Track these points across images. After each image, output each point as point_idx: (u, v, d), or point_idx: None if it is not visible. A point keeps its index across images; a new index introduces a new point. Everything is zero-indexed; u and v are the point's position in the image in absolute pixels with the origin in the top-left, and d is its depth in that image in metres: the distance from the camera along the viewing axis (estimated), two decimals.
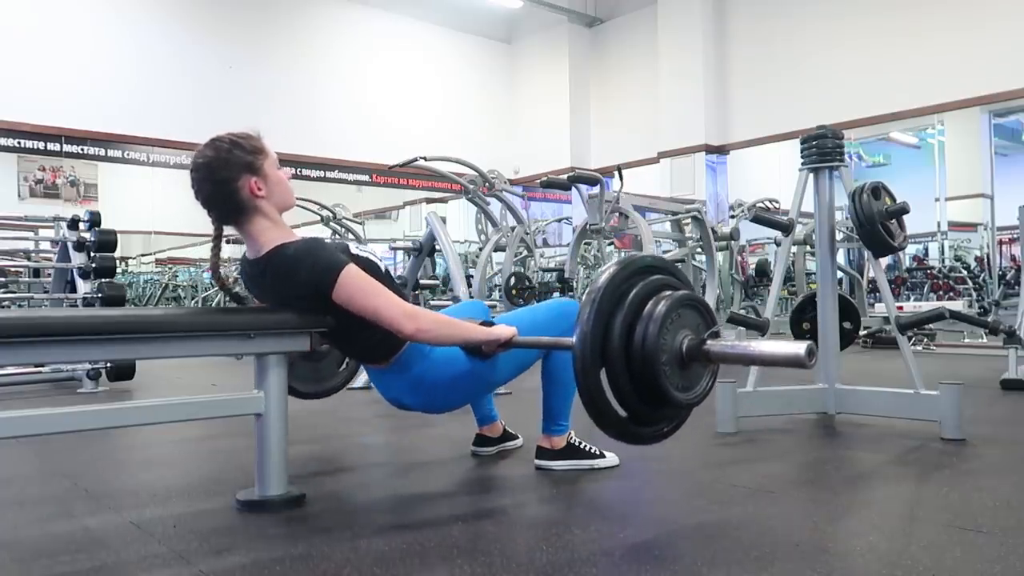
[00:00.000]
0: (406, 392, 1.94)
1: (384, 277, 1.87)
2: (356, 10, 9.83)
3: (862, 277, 6.84)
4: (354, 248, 1.90)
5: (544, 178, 5.10)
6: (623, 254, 10.00)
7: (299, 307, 1.80)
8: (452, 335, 1.81)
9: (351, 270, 1.75)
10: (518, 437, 2.46)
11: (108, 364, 4.44)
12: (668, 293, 1.60)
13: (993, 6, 6.95)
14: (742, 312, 5.92)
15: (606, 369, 1.56)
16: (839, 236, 5.86)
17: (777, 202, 7.61)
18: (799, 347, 1.43)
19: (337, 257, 1.76)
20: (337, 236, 6.66)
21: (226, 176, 1.75)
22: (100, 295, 4.40)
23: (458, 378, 1.92)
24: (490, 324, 1.89)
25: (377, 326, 1.76)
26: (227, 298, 1.99)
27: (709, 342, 1.58)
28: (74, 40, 7.78)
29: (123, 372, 4.54)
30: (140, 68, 8.17)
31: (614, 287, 1.58)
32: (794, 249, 6.50)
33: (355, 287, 1.74)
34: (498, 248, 6.15)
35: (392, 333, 1.77)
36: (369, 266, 1.85)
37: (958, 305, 6.48)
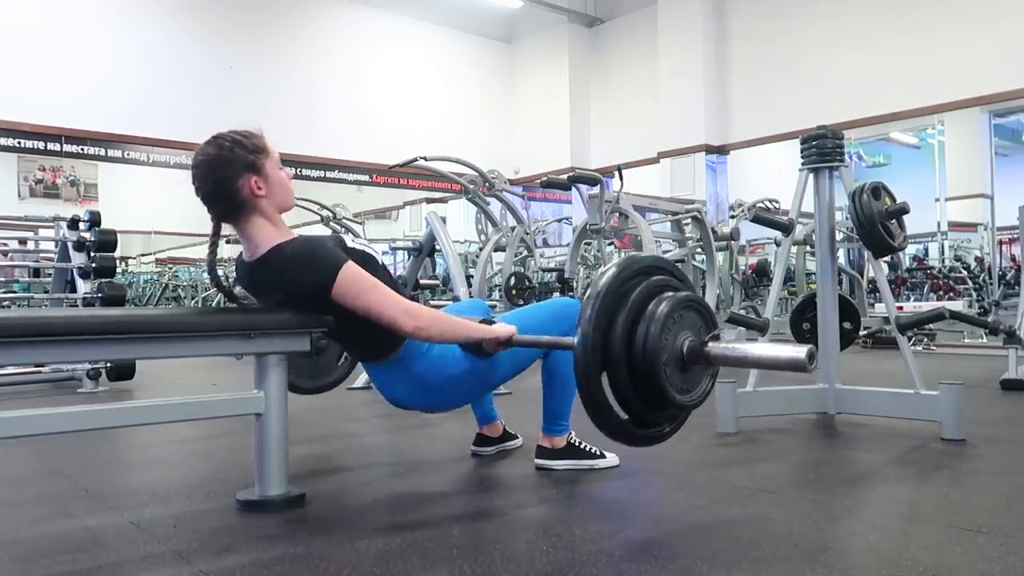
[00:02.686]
0: (405, 390, 1.93)
1: (381, 271, 1.87)
2: (356, 10, 9.83)
3: (862, 277, 6.84)
4: (350, 242, 1.88)
5: (544, 178, 5.09)
6: (623, 254, 10.01)
7: (299, 306, 1.80)
8: (451, 332, 1.80)
9: (350, 268, 1.75)
10: (518, 437, 2.46)
11: (108, 364, 4.44)
12: (670, 294, 1.60)
13: (993, 6, 6.95)
14: (742, 312, 5.92)
15: (607, 370, 1.56)
16: (839, 236, 5.86)
17: (777, 202, 7.60)
18: (799, 351, 1.44)
19: (335, 255, 1.75)
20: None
21: (227, 174, 1.74)
22: (100, 295, 4.40)
23: (457, 377, 1.91)
24: (490, 322, 1.89)
25: (376, 323, 1.76)
26: (224, 297, 1.98)
27: (710, 344, 1.57)
28: (74, 40, 7.78)
29: (123, 372, 4.54)
30: (140, 68, 8.16)
31: (615, 287, 1.57)
32: (794, 249, 6.50)
33: (354, 286, 1.74)
34: (498, 248, 6.15)
35: (391, 330, 1.77)
36: (366, 259, 1.84)
37: (958, 305, 6.48)
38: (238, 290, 2.04)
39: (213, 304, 8.94)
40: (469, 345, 1.88)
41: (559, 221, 10.75)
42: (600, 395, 1.56)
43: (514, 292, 5.72)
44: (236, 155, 1.75)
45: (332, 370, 2.67)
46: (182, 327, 1.68)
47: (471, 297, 4.54)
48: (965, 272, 7.71)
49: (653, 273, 1.66)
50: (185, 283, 11.45)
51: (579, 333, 1.55)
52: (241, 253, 1.86)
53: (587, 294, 1.58)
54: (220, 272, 1.87)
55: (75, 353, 1.58)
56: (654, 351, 1.52)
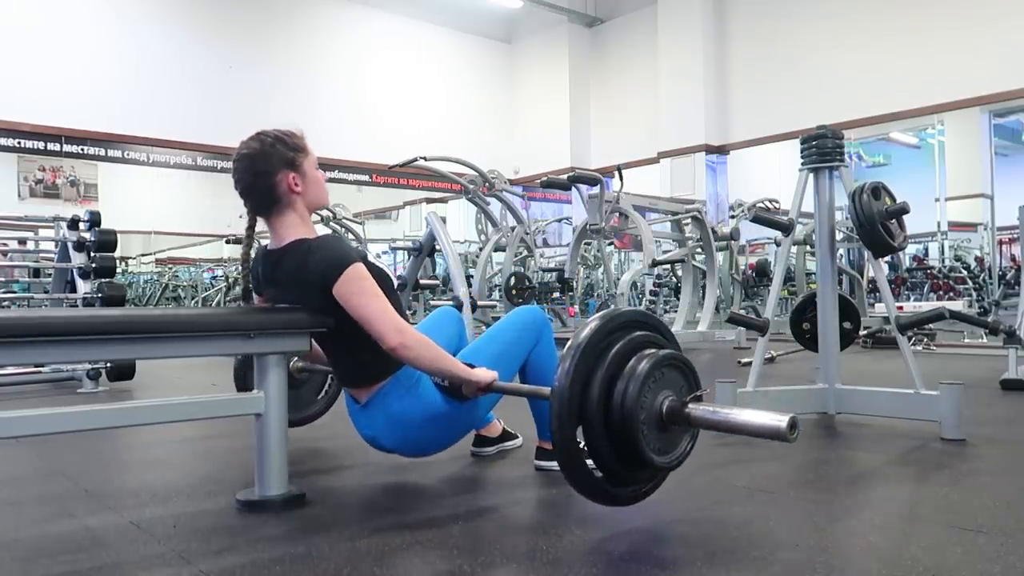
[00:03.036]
0: (383, 429, 1.91)
1: (392, 292, 1.88)
2: (356, 10, 9.83)
3: (862, 277, 6.84)
4: (372, 257, 1.92)
5: (544, 178, 5.10)
6: (623, 254, 10.01)
7: (301, 299, 1.82)
8: (434, 361, 1.77)
9: (358, 268, 1.76)
10: (518, 437, 2.46)
11: (108, 364, 4.44)
12: (651, 351, 1.55)
13: (993, 6, 6.95)
14: (742, 312, 5.92)
15: (583, 425, 1.51)
16: (839, 236, 5.87)
17: (777, 202, 7.61)
18: (781, 420, 1.38)
19: (349, 252, 1.79)
20: (337, 234, 6.65)
21: (266, 169, 1.82)
22: (100, 295, 4.40)
23: (436, 418, 1.89)
24: (471, 366, 1.85)
25: (368, 341, 1.76)
26: (240, 293, 1.97)
27: (691, 406, 1.52)
28: (74, 40, 7.78)
29: (123, 372, 4.54)
30: (140, 68, 8.17)
31: (596, 341, 1.52)
32: (794, 249, 6.50)
33: (356, 285, 1.75)
34: (498, 248, 6.15)
35: (381, 356, 1.77)
36: (381, 275, 1.86)
37: (958, 305, 6.48)
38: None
39: (213, 304, 8.95)
40: (448, 390, 1.87)
41: (559, 221, 10.75)
42: (575, 452, 1.50)
43: (514, 292, 5.72)
44: (277, 151, 1.83)
45: (313, 403, 2.68)
46: (182, 327, 1.69)
47: (471, 297, 4.55)
48: (965, 272, 7.71)
49: (637, 328, 1.60)
50: (185, 283, 11.45)
51: (555, 385, 1.49)
52: (266, 245, 1.92)
53: (567, 346, 1.53)
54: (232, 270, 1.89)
55: (75, 353, 1.58)
56: (632, 409, 1.47)
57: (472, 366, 1.84)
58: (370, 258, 1.91)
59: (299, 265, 1.80)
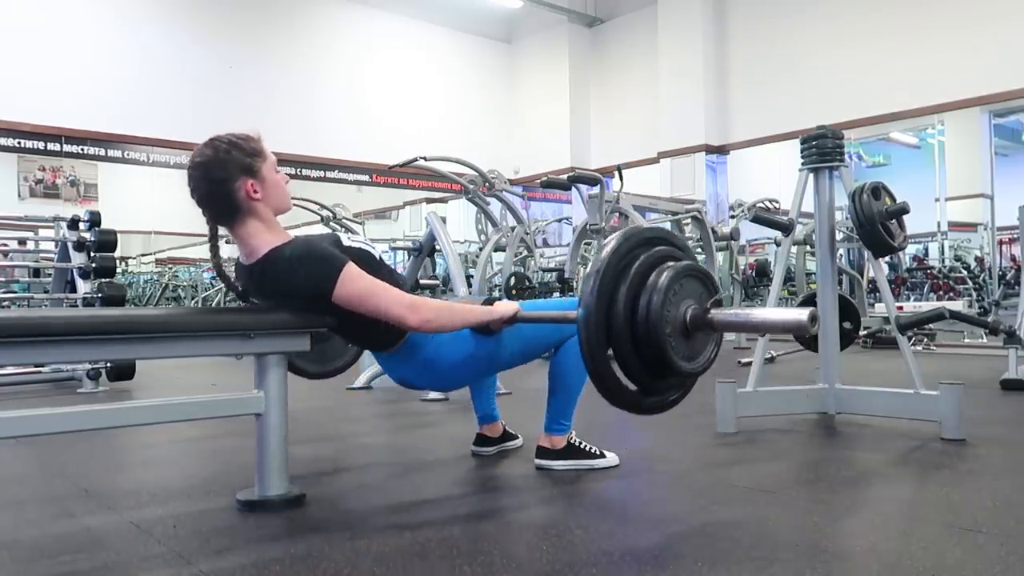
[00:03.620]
0: (414, 374, 1.97)
1: (379, 266, 1.88)
2: (356, 10, 9.83)
3: (862, 277, 6.84)
4: (346, 240, 1.89)
5: (544, 178, 5.10)
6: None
7: (299, 308, 1.80)
8: (458, 320, 1.83)
9: (350, 270, 1.74)
10: (518, 437, 2.46)
11: (108, 364, 4.44)
12: (671, 264, 1.61)
13: (993, 6, 6.95)
14: None
15: (611, 341, 1.58)
16: (839, 236, 5.87)
17: (777, 202, 7.61)
18: (801, 313, 1.45)
19: (335, 258, 1.75)
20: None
21: (222, 177, 1.74)
22: (100, 295, 4.40)
23: (465, 358, 1.94)
24: (492, 302, 1.91)
25: (377, 321, 1.77)
26: (234, 295, 1.98)
27: (712, 311, 1.60)
28: (74, 40, 7.78)
29: (123, 372, 4.54)
30: (140, 68, 8.17)
31: (617, 260, 1.59)
32: (794, 249, 6.50)
33: (355, 288, 1.74)
34: (498, 248, 6.15)
35: (396, 325, 1.78)
36: (364, 256, 1.84)
37: (958, 305, 6.48)
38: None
39: (213, 304, 8.95)
40: (477, 325, 1.89)
41: (559, 221, 10.75)
42: (605, 364, 1.58)
43: (514, 292, 5.72)
44: (233, 158, 1.75)
45: (342, 354, 2.66)
46: (182, 327, 1.68)
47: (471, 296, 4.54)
48: (965, 272, 7.71)
49: (654, 244, 1.67)
50: (185, 283, 11.45)
51: (582, 306, 1.56)
52: (239, 257, 1.86)
53: (589, 268, 1.60)
54: (225, 270, 1.88)
55: (75, 353, 1.58)
56: (657, 320, 1.54)
57: (492, 302, 1.88)
58: (345, 241, 1.88)
59: (285, 278, 1.76)
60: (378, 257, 1.92)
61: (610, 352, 1.60)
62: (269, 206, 1.80)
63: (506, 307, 1.88)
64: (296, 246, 1.77)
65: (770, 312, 1.56)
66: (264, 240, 1.78)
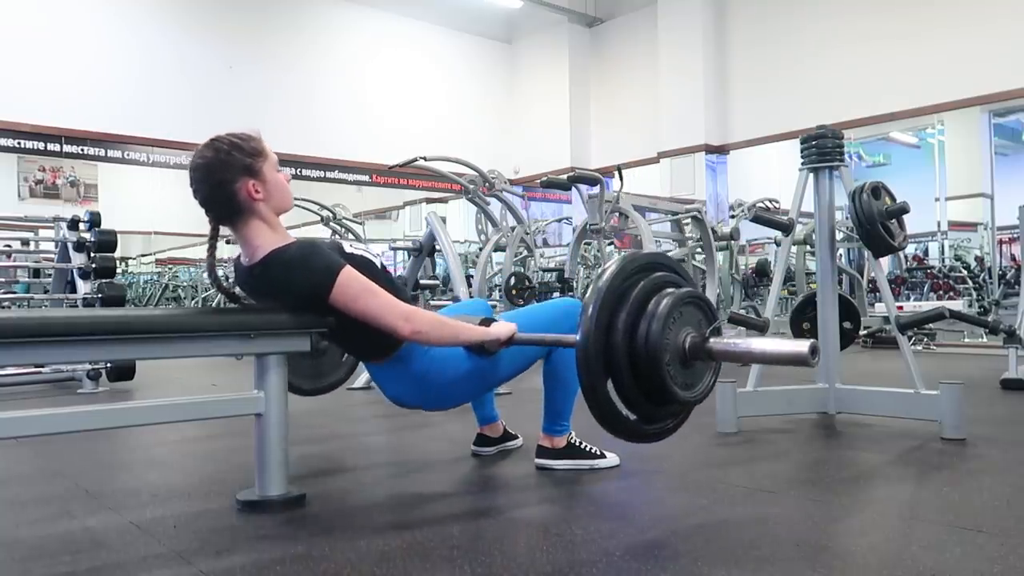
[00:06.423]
0: (407, 390, 1.93)
1: (380, 274, 1.86)
2: (356, 10, 9.82)
3: (862, 277, 6.84)
4: (348, 247, 1.88)
5: (544, 178, 5.09)
6: (623, 254, 10.00)
7: (298, 309, 1.80)
8: (450, 336, 1.80)
9: (348, 273, 1.74)
10: (518, 437, 2.46)
11: (108, 364, 4.44)
12: (670, 290, 1.60)
13: (993, 6, 6.95)
14: (742, 312, 5.92)
15: (609, 367, 1.56)
16: (839, 236, 5.86)
17: (777, 202, 7.60)
18: (802, 345, 1.43)
19: (333, 260, 1.75)
20: (337, 236, 6.65)
21: (224, 178, 1.74)
22: (100, 295, 4.40)
23: (459, 376, 1.91)
24: (490, 322, 1.88)
25: (374, 328, 1.76)
26: (225, 298, 1.98)
27: (712, 340, 1.57)
28: (74, 40, 7.78)
29: (123, 372, 4.54)
30: (140, 68, 8.16)
31: (616, 285, 1.57)
32: (794, 249, 6.49)
33: (352, 291, 1.73)
34: (498, 248, 6.14)
35: (389, 334, 1.77)
36: (365, 264, 1.83)
37: (958, 305, 6.48)
38: (237, 290, 2.04)
39: (213, 304, 8.94)
40: (471, 344, 1.87)
41: (559, 221, 10.74)
42: (603, 392, 1.56)
43: (514, 292, 5.72)
44: (234, 158, 1.74)
45: (335, 370, 2.66)
46: (182, 327, 1.68)
47: (471, 297, 4.54)
48: (965, 272, 7.71)
49: (653, 270, 1.66)
50: (185, 283, 11.45)
51: (581, 331, 1.54)
52: (239, 256, 1.85)
53: (588, 292, 1.57)
54: (220, 273, 1.87)
55: (75, 353, 1.58)
56: (656, 348, 1.52)
57: (490, 322, 1.84)
58: (347, 248, 1.87)
59: (284, 280, 1.76)
60: (379, 265, 1.91)
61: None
62: (271, 206, 1.80)
63: (503, 328, 1.84)
64: (297, 248, 1.77)
65: (770, 343, 1.52)
66: (267, 241, 1.78)
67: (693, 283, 1.73)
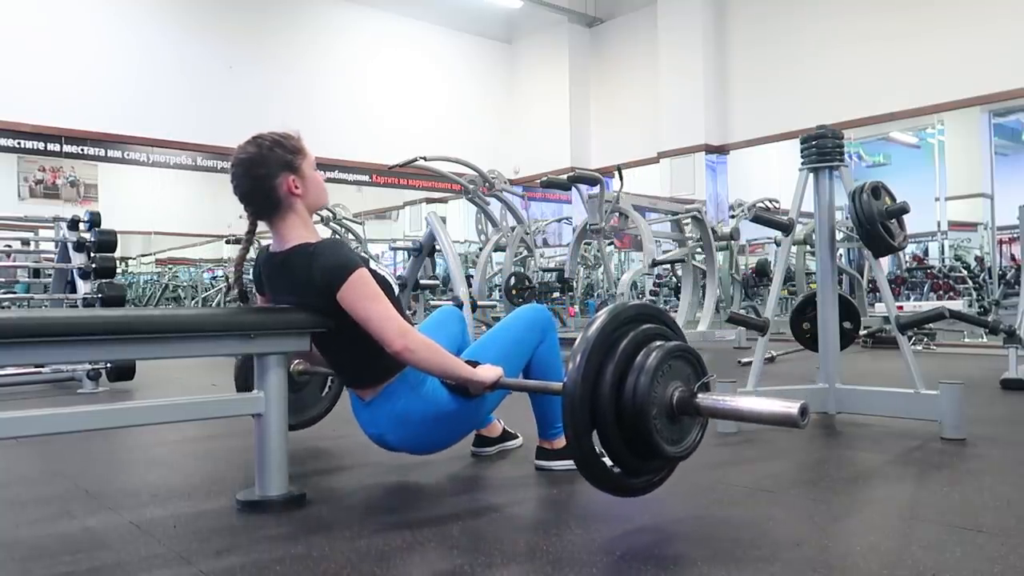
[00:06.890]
0: (389, 428, 1.91)
1: (393, 295, 1.88)
2: (356, 10, 9.83)
3: (862, 277, 6.84)
4: (373, 264, 1.91)
5: (544, 178, 5.10)
6: (623, 254, 10.01)
7: (302, 302, 1.82)
8: (437, 363, 1.78)
9: (362, 274, 1.77)
10: (518, 437, 2.46)
11: (108, 364, 4.44)
12: (659, 343, 1.56)
13: (993, 6, 6.95)
14: (742, 312, 5.92)
15: (595, 417, 1.52)
16: (839, 236, 5.87)
17: (777, 202, 7.61)
18: (792, 406, 1.39)
19: (354, 258, 1.79)
20: (337, 236, 6.65)
21: (265, 173, 1.81)
22: (100, 295, 4.40)
23: (443, 416, 1.89)
24: (475, 364, 1.86)
25: (371, 343, 1.76)
26: (236, 296, 1.99)
27: (700, 396, 1.54)
28: (75, 40, 7.78)
29: (123, 372, 4.54)
30: (140, 68, 8.17)
31: (605, 336, 1.53)
32: (794, 249, 6.50)
33: (361, 291, 1.76)
34: (498, 248, 6.15)
35: (385, 357, 1.77)
36: (382, 281, 1.86)
37: (958, 305, 6.47)
38: (249, 291, 2.06)
39: (213, 304, 8.95)
40: (456, 387, 1.87)
41: (559, 221, 10.75)
42: (588, 444, 1.51)
43: (514, 292, 5.72)
44: (275, 154, 1.83)
45: (315, 405, 2.65)
46: (182, 327, 1.68)
47: (471, 297, 4.54)
48: (965, 272, 7.71)
49: (643, 322, 1.62)
50: (185, 283, 11.45)
51: (568, 379, 1.50)
52: (268, 246, 1.92)
53: (576, 341, 1.54)
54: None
55: (75, 353, 1.58)
56: (644, 401, 1.48)
57: (476, 364, 1.84)
58: (372, 265, 1.92)
59: (303, 269, 1.80)
60: (396, 290, 1.93)
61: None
62: (308, 202, 1.88)
63: (488, 373, 1.82)
64: (322, 243, 1.83)
65: (759, 402, 1.47)
66: (298, 235, 1.85)
67: (683, 336, 1.68)
